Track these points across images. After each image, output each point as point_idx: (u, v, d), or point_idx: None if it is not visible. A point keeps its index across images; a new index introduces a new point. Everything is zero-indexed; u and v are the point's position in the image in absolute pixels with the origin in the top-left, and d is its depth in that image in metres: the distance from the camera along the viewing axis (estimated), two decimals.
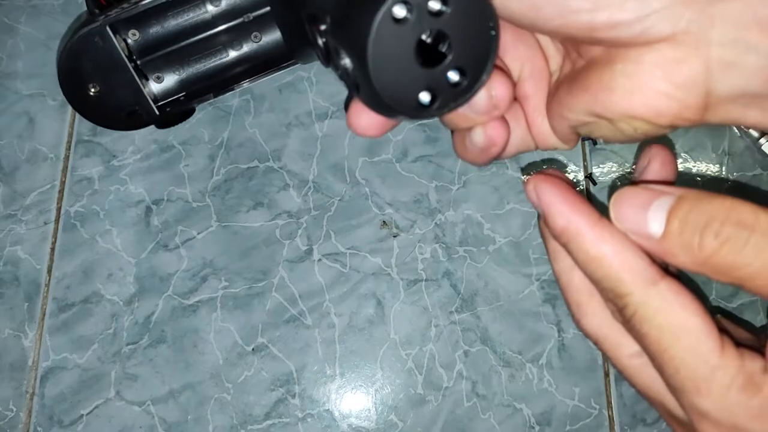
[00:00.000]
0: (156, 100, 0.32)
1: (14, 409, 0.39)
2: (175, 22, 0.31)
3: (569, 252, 0.19)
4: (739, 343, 0.18)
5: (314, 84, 0.44)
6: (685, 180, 0.44)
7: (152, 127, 0.37)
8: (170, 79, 0.32)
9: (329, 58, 0.20)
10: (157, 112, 0.33)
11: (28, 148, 0.43)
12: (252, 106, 0.44)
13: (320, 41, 0.19)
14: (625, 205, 0.18)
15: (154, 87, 0.32)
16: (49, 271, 0.41)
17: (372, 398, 0.40)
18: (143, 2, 0.29)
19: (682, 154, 0.45)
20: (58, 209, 0.42)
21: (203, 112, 0.43)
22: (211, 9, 0.31)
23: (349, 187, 0.43)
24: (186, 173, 0.43)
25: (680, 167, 0.44)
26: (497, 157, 0.21)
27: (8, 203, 0.42)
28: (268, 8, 0.31)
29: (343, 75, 0.19)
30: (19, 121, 0.43)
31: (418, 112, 0.17)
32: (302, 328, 0.41)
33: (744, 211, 0.16)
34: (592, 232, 0.18)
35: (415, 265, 0.42)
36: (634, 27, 0.16)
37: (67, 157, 0.43)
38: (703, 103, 0.17)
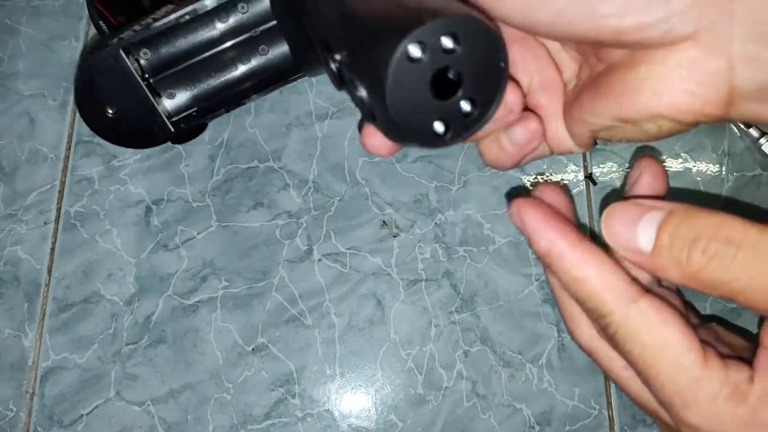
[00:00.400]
0: (170, 116, 0.33)
1: (14, 409, 0.39)
2: (185, 40, 0.31)
3: (554, 273, 0.20)
4: (724, 354, 0.18)
5: (314, 85, 0.44)
6: (685, 180, 0.44)
7: None
8: (182, 95, 0.33)
9: (342, 85, 0.20)
10: (172, 129, 0.33)
11: (29, 148, 0.43)
12: (252, 106, 0.44)
13: (333, 66, 0.20)
14: (616, 221, 0.19)
15: (167, 104, 0.33)
16: (49, 271, 0.41)
17: (372, 398, 0.40)
18: (155, 25, 0.30)
19: (682, 155, 0.45)
20: (58, 209, 0.42)
21: None
22: (219, 26, 0.31)
23: (349, 187, 0.43)
24: (186, 173, 0.43)
25: (680, 167, 0.44)
26: (529, 156, 0.22)
27: (8, 203, 0.42)
28: (274, 22, 0.31)
29: (359, 104, 0.20)
30: (19, 122, 0.43)
31: (434, 141, 0.18)
32: (302, 328, 0.41)
33: (733, 226, 0.17)
34: (573, 254, 0.19)
35: (415, 265, 0.42)
36: (659, 28, 0.16)
37: (67, 157, 0.43)
38: (727, 99, 0.17)
